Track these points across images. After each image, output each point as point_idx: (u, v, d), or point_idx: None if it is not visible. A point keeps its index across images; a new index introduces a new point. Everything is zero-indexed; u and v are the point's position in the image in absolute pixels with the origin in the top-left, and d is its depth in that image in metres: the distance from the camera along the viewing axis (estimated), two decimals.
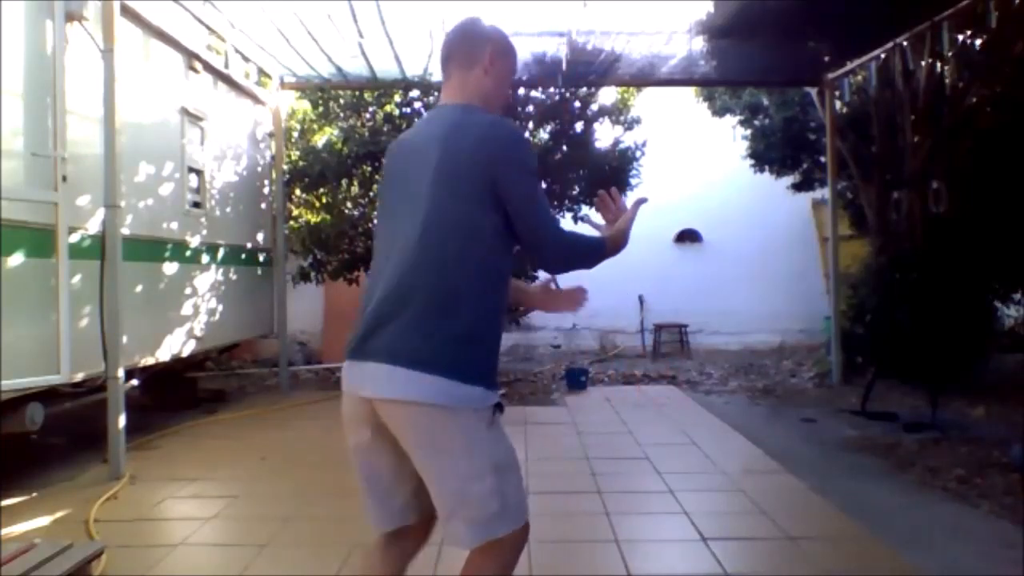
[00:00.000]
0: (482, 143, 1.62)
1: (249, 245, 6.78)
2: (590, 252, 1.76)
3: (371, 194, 7.41)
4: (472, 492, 1.56)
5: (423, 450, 1.58)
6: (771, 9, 5.45)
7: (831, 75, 7.01)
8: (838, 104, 7.34)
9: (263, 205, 7.18)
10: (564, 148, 7.04)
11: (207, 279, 5.85)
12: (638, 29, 6.14)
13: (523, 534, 1.65)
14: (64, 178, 3.81)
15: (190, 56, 5.51)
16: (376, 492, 1.72)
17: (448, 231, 1.58)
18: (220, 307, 6.05)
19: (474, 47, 1.78)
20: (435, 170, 1.61)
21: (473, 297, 1.58)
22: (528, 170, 1.66)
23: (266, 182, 7.28)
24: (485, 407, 1.59)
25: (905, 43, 6.10)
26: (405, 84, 7.03)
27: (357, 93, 7.52)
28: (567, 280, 2.02)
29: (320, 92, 7.56)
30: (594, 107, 7.24)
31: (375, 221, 7.81)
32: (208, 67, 5.81)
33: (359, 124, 7.35)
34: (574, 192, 7.31)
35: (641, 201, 1.95)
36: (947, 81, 6.56)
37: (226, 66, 6.18)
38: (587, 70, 6.73)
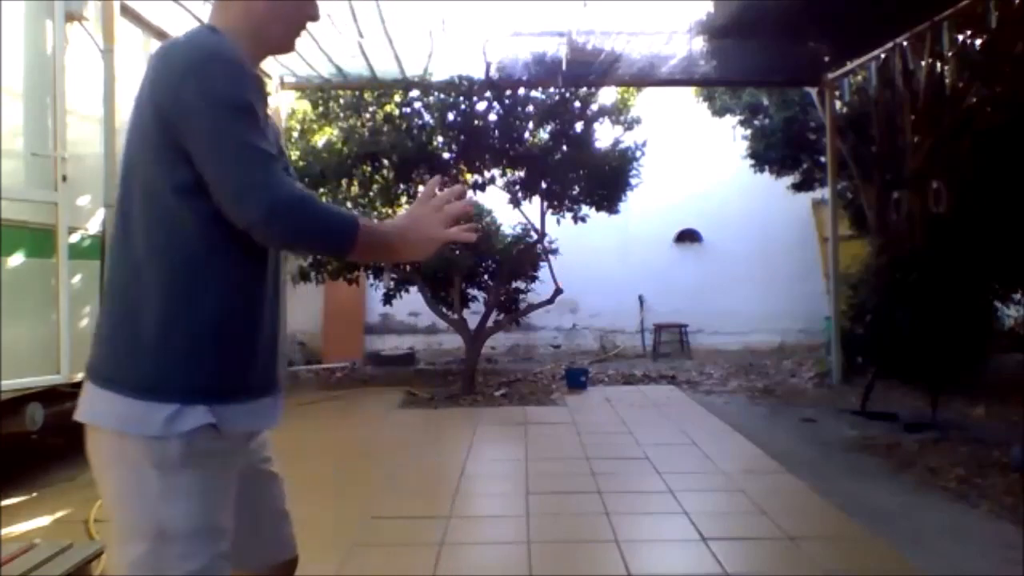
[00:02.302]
0: (156, 76, 1.17)
1: None
2: (323, 228, 1.18)
3: (371, 194, 7.41)
4: (121, 557, 1.16)
5: (102, 490, 1.21)
6: (771, 9, 5.45)
7: (831, 75, 7.01)
8: (838, 104, 7.34)
9: None
10: (564, 148, 7.04)
11: None
12: (638, 29, 6.14)
13: None
14: (64, 178, 3.81)
15: None
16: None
17: (139, 211, 1.18)
18: None
19: None
20: (128, 127, 1.22)
21: (171, 289, 1.17)
22: (214, 100, 1.13)
23: None
24: (166, 434, 1.13)
25: (905, 43, 6.11)
26: (405, 84, 7.03)
27: (357, 93, 7.52)
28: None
29: (320, 92, 7.56)
30: (594, 107, 7.23)
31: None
32: None
33: (359, 124, 7.35)
34: (574, 192, 7.30)
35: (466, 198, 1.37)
36: (947, 81, 6.56)
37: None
38: (587, 70, 6.73)
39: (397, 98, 7.25)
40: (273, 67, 7.03)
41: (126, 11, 4.47)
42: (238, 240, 1.17)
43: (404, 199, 7.51)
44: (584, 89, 7.02)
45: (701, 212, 10.67)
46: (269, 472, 1.46)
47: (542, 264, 8.00)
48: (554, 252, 7.91)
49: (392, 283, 8.03)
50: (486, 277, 8.22)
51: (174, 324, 1.17)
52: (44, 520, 3.45)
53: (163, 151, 1.15)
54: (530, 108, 7.01)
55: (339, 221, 1.19)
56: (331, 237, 1.19)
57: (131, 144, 1.20)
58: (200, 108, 1.13)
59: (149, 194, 1.18)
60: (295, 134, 7.86)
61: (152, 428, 1.13)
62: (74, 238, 4.02)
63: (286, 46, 1.38)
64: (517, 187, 7.24)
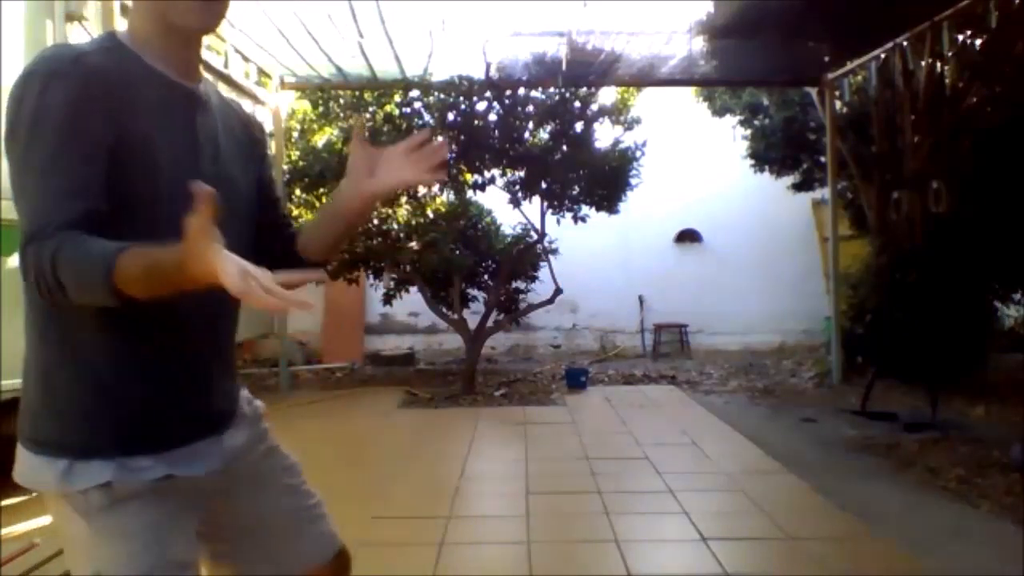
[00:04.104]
0: None
1: None
2: (70, 270, 0.93)
3: None
4: None
5: None
6: (771, 9, 5.45)
7: (831, 75, 7.01)
8: (838, 104, 7.34)
9: None
10: (564, 148, 7.04)
11: None
12: (638, 29, 6.14)
13: None
14: None
15: None
16: None
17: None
18: None
19: None
20: None
21: (47, 337, 1.09)
22: (14, 133, 1.00)
23: None
24: (78, 489, 1.06)
25: (905, 43, 6.11)
26: (405, 84, 7.04)
27: (357, 93, 7.52)
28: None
29: (320, 92, 7.57)
30: (594, 107, 7.23)
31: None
32: (208, 67, 5.81)
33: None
34: (574, 192, 7.31)
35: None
36: (947, 81, 6.56)
37: (226, 66, 6.18)
38: (587, 70, 6.73)
39: (397, 98, 7.25)
40: (273, 67, 7.04)
41: (126, 11, 4.46)
42: None
43: (404, 199, 7.51)
44: (584, 89, 7.02)
45: (701, 212, 10.67)
46: (273, 483, 1.35)
47: (542, 264, 7.99)
48: (554, 252, 7.91)
49: (392, 283, 8.02)
50: (486, 277, 8.22)
51: (53, 378, 1.09)
52: (44, 520, 3.44)
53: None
54: (530, 108, 7.01)
55: (91, 261, 0.92)
56: (81, 280, 0.93)
57: None
58: (10, 142, 1.01)
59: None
60: (295, 134, 7.87)
61: (50, 483, 1.07)
62: None
63: (196, 22, 1.13)
64: (517, 187, 7.24)
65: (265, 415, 1.40)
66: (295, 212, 7.82)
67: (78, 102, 1.00)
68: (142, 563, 1.07)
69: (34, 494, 3.28)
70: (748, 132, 9.09)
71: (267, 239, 1.34)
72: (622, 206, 7.70)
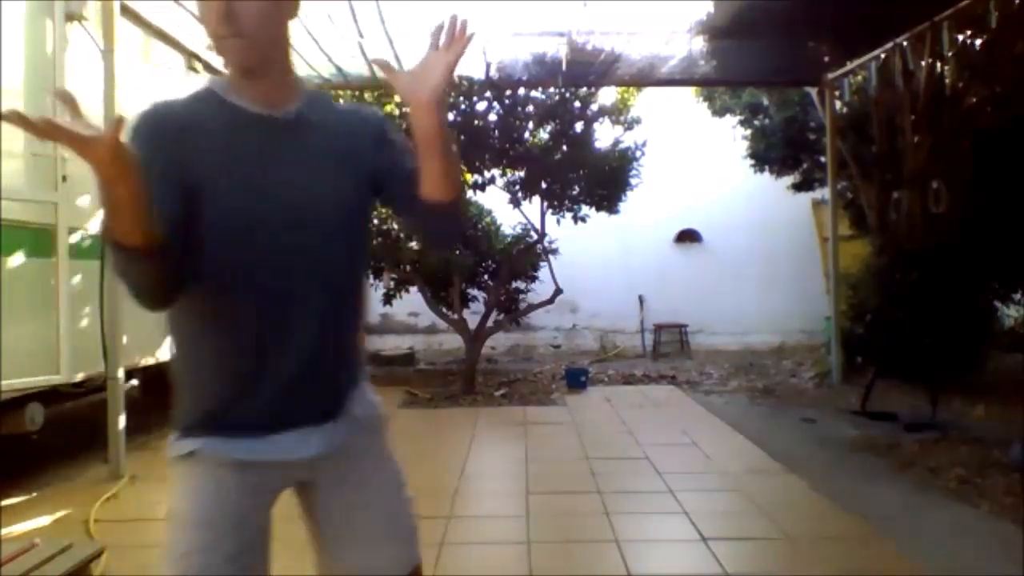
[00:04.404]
0: None
1: None
2: (113, 266, 1.22)
3: None
4: None
5: None
6: (771, 9, 5.45)
7: (831, 75, 7.01)
8: (838, 104, 7.34)
9: None
10: (564, 148, 7.04)
11: None
12: (638, 29, 6.15)
13: None
14: (64, 178, 3.81)
15: (190, 56, 5.50)
16: None
17: None
18: None
19: None
20: None
21: (172, 337, 1.37)
22: None
23: None
24: (172, 455, 1.37)
25: (905, 43, 6.11)
26: None
27: (357, 93, 7.52)
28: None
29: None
30: (594, 107, 7.23)
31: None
32: (208, 67, 5.81)
33: None
34: (574, 192, 7.31)
35: None
36: (947, 81, 6.56)
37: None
38: (587, 70, 6.73)
39: (397, 98, 7.25)
40: None
41: (126, 11, 4.46)
42: (192, 297, 1.24)
43: None
44: (584, 89, 7.02)
45: (701, 212, 10.68)
46: (368, 488, 1.44)
47: (542, 264, 7.99)
48: (554, 252, 7.91)
49: (392, 283, 8.02)
50: (486, 277, 8.22)
51: (174, 371, 1.36)
52: (44, 520, 3.45)
53: None
54: (530, 108, 7.01)
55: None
56: (111, 259, 1.15)
57: None
58: None
59: None
60: None
61: (171, 450, 1.37)
62: (74, 238, 4.02)
63: (232, 60, 1.31)
64: (517, 187, 7.24)
65: (383, 424, 1.53)
66: None
67: (144, 148, 1.16)
68: (201, 510, 1.31)
69: (35, 494, 3.30)
70: (748, 132, 9.09)
71: (420, 212, 1.38)
72: (622, 206, 7.70)
